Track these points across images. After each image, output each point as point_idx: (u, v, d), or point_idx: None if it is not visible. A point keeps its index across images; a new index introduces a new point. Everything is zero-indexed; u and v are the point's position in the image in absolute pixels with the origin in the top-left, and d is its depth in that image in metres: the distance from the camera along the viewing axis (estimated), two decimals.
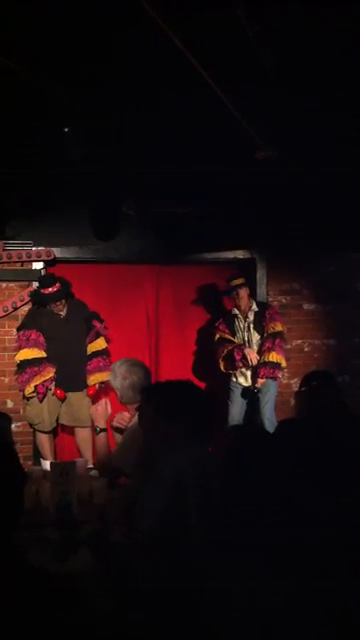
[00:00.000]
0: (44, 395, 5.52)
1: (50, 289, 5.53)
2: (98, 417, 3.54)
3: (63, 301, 5.62)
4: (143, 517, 2.44)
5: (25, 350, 5.53)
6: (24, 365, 5.52)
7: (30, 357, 5.51)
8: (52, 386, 5.54)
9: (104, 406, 3.57)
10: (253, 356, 5.74)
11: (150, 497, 2.47)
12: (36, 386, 5.48)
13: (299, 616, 1.61)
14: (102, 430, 3.52)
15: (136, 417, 3.50)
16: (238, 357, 5.73)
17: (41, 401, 5.54)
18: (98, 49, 3.91)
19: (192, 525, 2.39)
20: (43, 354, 5.54)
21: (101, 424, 3.51)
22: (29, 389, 5.50)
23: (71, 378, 5.62)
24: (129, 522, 2.54)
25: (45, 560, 2.30)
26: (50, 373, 5.52)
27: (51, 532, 2.58)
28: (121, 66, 4.17)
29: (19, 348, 5.57)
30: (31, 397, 5.55)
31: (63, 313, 5.69)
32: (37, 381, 5.48)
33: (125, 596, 1.96)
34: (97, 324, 5.80)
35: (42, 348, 5.55)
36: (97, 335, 5.78)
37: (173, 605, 1.74)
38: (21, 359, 5.54)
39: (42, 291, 5.57)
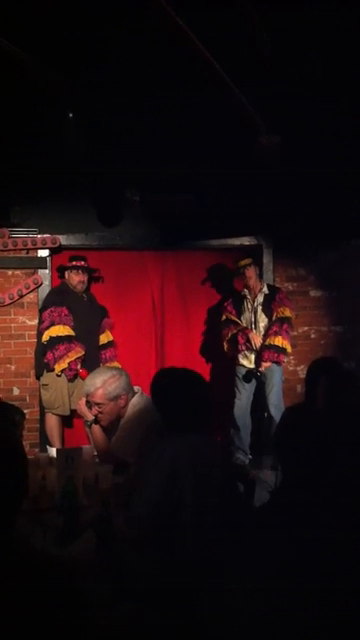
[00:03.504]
0: (75, 373, 5.51)
1: (82, 262, 5.74)
2: (86, 411, 3.57)
3: (85, 278, 5.74)
4: (139, 504, 2.44)
5: (58, 326, 5.49)
6: (55, 341, 5.46)
7: (63, 334, 5.48)
8: (79, 366, 5.53)
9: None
10: (257, 340, 5.73)
11: (146, 484, 2.47)
12: (70, 363, 5.47)
13: (298, 617, 1.60)
14: (93, 422, 3.56)
15: (129, 407, 3.53)
16: (242, 341, 5.72)
17: (71, 380, 5.52)
18: (100, 40, 3.90)
19: (186, 515, 2.39)
20: (73, 332, 5.54)
21: (90, 417, 3.56)
22: (62, 365, 5.44)
23: (89, 361, 5.58)
24: (128, 510, 2.56)
25: (48, 544, 2.32)
26: (81, 352, 5.51)
27: (56, 517, 2.59)
28: (122, 56, 4.16)
29: (51, 323, 5.50)
30: (58, 376, 5.49)
31: (84, 295, 5.78)
32: (71, 357, 5.46)
33: (123, 585, 1.97)
34: (107, 318, 5.95)
35: (71, 327, 5.56)
36: (105, 328, 5.90)
37: (169, 596, 1.74)
38: (53, 335, 5.47)
39: (74, 262, 5.73)
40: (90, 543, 2.23)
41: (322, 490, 1.91)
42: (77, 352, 5.49)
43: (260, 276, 6.08)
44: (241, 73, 4.18)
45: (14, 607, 1.31)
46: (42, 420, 5.86)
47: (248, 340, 5.73)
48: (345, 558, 1.77)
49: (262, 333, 5.79)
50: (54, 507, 2.74)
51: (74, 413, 5.80)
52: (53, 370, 5.49)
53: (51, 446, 5.61)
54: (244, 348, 5.75)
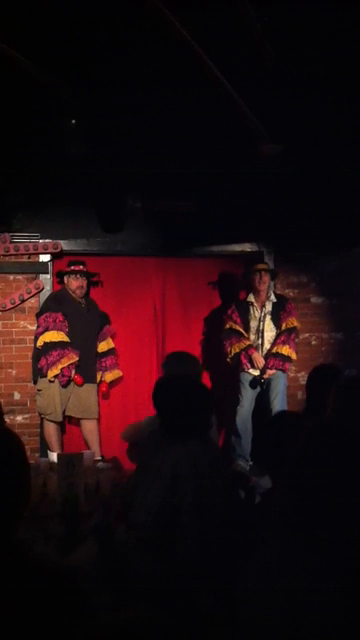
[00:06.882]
0: (68, 379, 5.52)
1: (81, 267, 5.75)
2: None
3: (85, 282, 5.74)
4: (140, 512, 2.44)
5: (52, 332, 5.50)
6: (49, 347, 5.46)
7: (57, 340, 5.49)
8: (73, 372, 5.54)
9: None
10: (260, 361, 5.75)
11: (148, 492, 2.47)
12: (62, 369, 5.48)
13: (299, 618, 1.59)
14: None
15: None
16: (244, 361, 5.76)
17: (64, 386, 5.53)
18: (101, 44, 3.90)
19: (188, 516, 2.40)
20: (67, 339, 5.54)
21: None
22: (55, 371, 5.45)
23: (85, 368, 5.62)
24: (129, 517, 2.56)
25: (49, 551, 2.32)
26: (75, 358, 5.51)
27: (57, 523, 2.58)
28: (124, 60, 4.16)
29: (45, 329, 5.51)
30: (51, 382, 5.50)
31: (83, 301, 5.77)
32: (64, 364, 5.46)
33: (124, 590, 1.96)
34: (109, 325, 5.95)
35: (66, 333, 5.56)
36: (106, 335, 5.90)
37: (169, 596, 1.74)
38: (47, 341, 5.48)
39: (72, 267, 5.74)
40: (92, 550, 2.22)
41: (323, 492, 1.92)
42: (70, 358, 5.49)
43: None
44: (243, 75, 4.18)
45: (15, 609, 1.31)
46: (43, 425, 5.85)
47: (250, 360, 5.75)
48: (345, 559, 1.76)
49: (268, 342, 5.81)
50: (55, 514, 2.74)
51: (69, 419, 5.82)
52: (46, 376, 5.51)
53: (51, 451, 5.60)
54: (247, 368, 5.77)
